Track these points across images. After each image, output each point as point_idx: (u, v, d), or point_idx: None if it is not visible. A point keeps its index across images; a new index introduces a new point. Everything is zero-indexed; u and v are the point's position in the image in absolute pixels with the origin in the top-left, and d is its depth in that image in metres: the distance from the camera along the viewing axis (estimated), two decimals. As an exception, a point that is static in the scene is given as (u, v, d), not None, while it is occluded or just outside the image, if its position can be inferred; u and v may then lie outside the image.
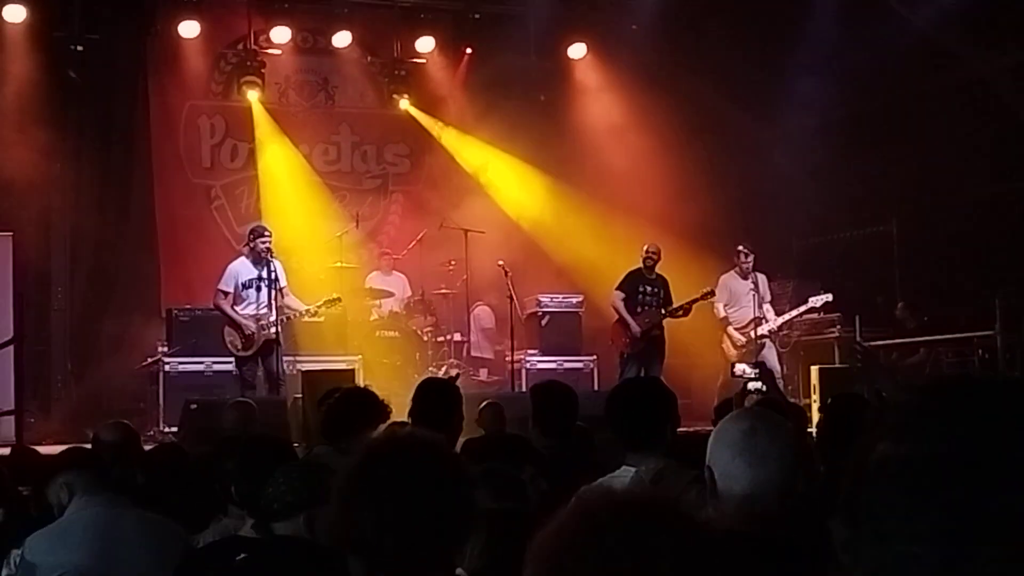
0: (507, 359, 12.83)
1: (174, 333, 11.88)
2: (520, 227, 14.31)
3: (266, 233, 10.64)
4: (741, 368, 10.36)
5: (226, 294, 10.58)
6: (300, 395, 9.57)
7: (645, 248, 11.76)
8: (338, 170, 14.93)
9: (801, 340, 12.61)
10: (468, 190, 14.47)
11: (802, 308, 12.01)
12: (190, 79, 14.07)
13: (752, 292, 11.80)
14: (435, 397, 5.31)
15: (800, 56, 12.93)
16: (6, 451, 7.65)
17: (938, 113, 12.94)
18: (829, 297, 11.89)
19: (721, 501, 2.53)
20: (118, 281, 13.27)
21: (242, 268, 10.68)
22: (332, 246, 13.25)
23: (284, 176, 14.32)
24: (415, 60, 14.51)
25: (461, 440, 5.14)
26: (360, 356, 12.10)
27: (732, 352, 11.78)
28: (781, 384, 11.35)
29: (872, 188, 13.95)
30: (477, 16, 14.44)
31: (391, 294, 13.27)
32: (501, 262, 12.54)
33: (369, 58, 14.73)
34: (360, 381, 10.92)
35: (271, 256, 10.57)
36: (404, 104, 14.47)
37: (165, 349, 11.82)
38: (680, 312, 11.64)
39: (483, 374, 13.52)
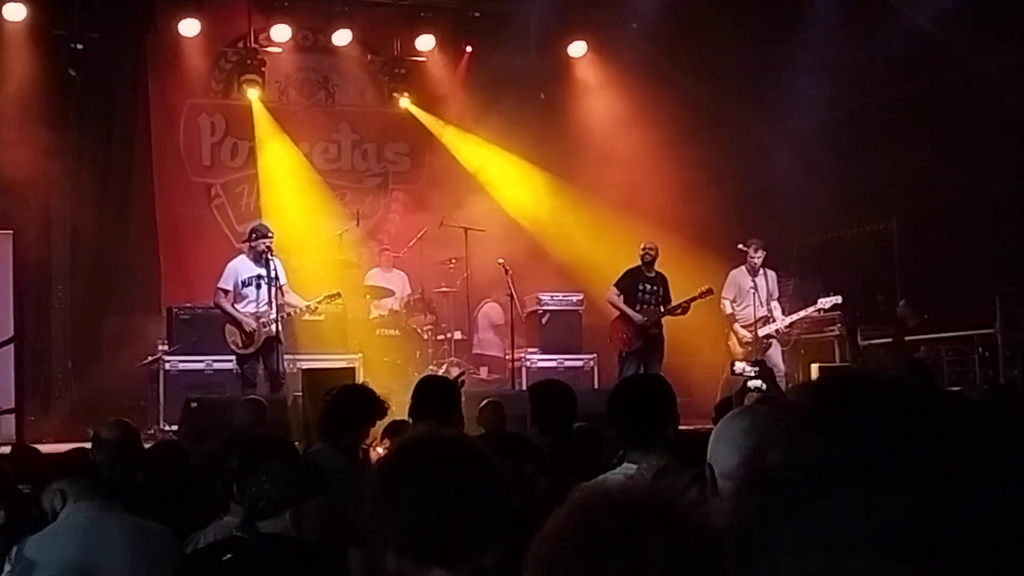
0: (507, 357, 12.83)
1: (174, 331, 11.89)
2: (520, 225, 14.31)
3: (268, 233, 10.64)
4: (741, 366, 10.35)
5: (226, 292, 10.58)
6: (300, 393, 9.58)
7: (642, 245, 11.76)
8: (338, 168, 14.93)
9: (802, 338, 12.61)
10: (468, 188, 14.48)
11: (810, 309, 11.99)
12: (190, 77, 14.08)
13: (751, 290, 11.78)
14: (435, 395, 5.31)
15: (801, 54, 12.92)
16: (6, 449, 7.66)
17: (939, 111, 12.93)
18: (838, 299, 11.87)
19: (722, 499, 2.53)
20: (118, 279, 13.27)
21: (242, 266, 10.67)
22: (332, 244, 13.26)
23: (284, 174, 14.32)
24: (415, 58, 14.52)
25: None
26: (360, 354, 12.11)
27: (738, 349, 11.77)
28: (783, 382, 11.34)
29: (872, 186, 13.95)
30: (477, 14, 14.44)
31: (391, 292, 13.27)
32: (501, 260, 12.54)
33: (369, 56, 14.74)
34: (360, 379, 10.93)
35: (271, 255, 10.57)
36: (404, 102, 14.47)
37: (165, 347, 11.82)
38: (679, 310, 11.64)
39: (483, 372, 13.52)
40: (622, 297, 11.69)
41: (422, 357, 12.79)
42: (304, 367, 10.99)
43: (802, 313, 12.01)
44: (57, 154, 12.64)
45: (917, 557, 0.72)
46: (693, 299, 11.58)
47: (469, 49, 14.70)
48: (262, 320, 10.48)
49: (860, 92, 13.58)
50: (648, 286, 11.69)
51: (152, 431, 10.84)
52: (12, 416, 10.19)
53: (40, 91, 12.64)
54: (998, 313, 11.46)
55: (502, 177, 14.67)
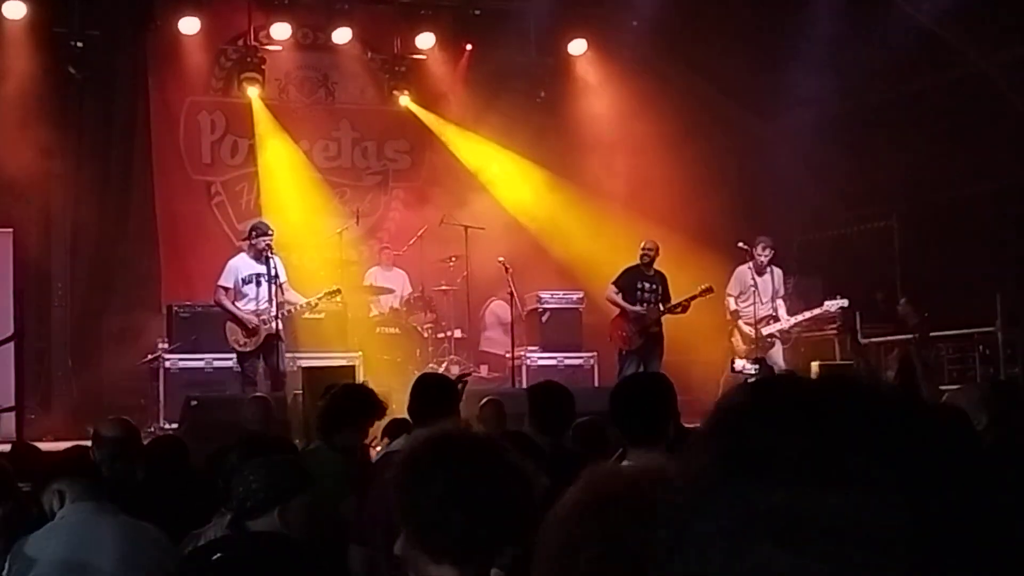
0: (507, 355, 12.82)
1: (174, 329, 11.89)
2: (521, 223, 14.30)
3: (269, 231, 10.64)
4: (741, 364, 10.37)
5: (227, 290, 10.58)
6: (300, 391, 9.58)
7: (642, 244, 11.75)
8: (338, 166, 14.92)
9: (802, 336, 12.60)
10: (469, 186, 14.47)
11: (817, 311, 11.96)
12: (190, 75, 14.07)
13: (758, 287, 11.76)
14: (435, 393, 5.30)
15: (800, 52, 12.92)
16: (6, 447, 7.66)
17: (939, 109, 12.93)
18: (845, 302, 11.85)
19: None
20: (118, 277, 13.27)
21: (242, 264, 10.68)
22: (332, 242, 13.26)
23: (284, 172, 14.32)
24: (415, 56, 14.51)
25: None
26: (360, 352, 12.11)
27: (740, 347, 11.76)
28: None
29: (873, 184, 13.95)
30: (477, 12, 14.43)
31: (391, 291, 13.27)
32: (501, 259, 12.54)
33: (369, 54, 14.73)
34: (360, 377, 10.94)
35: (271, 253, 10.57)
36: (404, 100, 14.47)
37: (165, 345, 11.82)
38: (678, 309, 11.62)
39: (484, 370, 13.52)
40: (621, 295, 11.68)
41: (422, 355, 12.79)
42: (304, 365, 11.01)
43: (807, 315, 11.97)
44: (57, 152, 12.64)
45: (813, 547, 0.74)
46: (693, 297, 11.56)
47: (469, 47, 14.69)
48: (263, 317, 10.48)
49: (861, 89, 13.58)
50: (647, 284, 11.67)
51: (152, 429, 10.81)
52: (12, 414, 10.19)
53: (40, 89, 12.63)
54: (998, 311, 11.46)
55: (502, 175, 14.67)
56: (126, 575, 3.81)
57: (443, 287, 13.43)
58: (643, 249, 11.68)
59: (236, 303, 10.58)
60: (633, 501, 1.51)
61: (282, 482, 3.08)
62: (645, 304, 11.61)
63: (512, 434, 4.90)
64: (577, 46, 14.72)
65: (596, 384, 12.33)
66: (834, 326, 12.63)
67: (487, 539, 2.13)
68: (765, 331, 11.78)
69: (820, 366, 11.47)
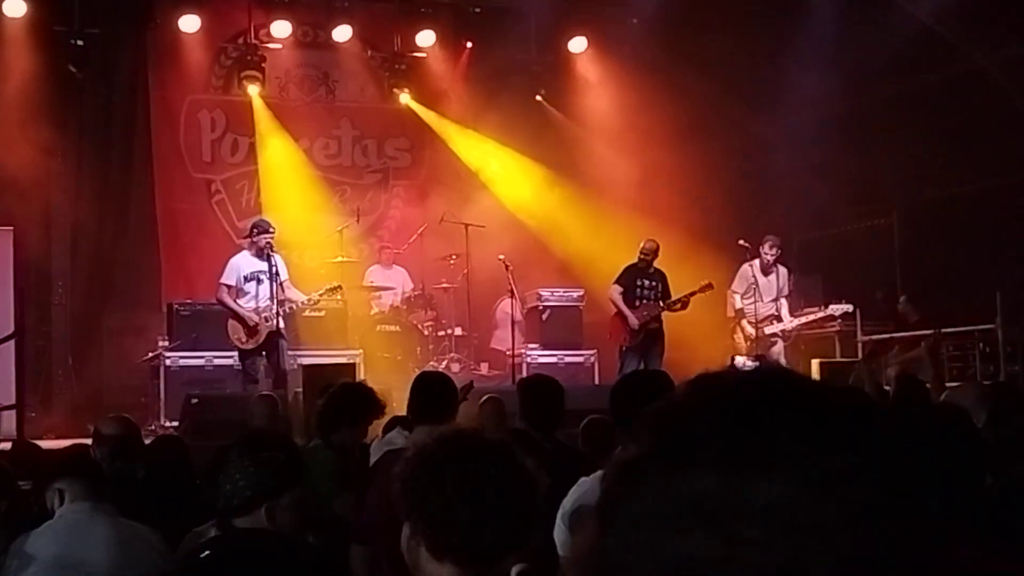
0: (508, 353, 12.82)
1: (175, 327, 11.89)
2: (521, 221, 14.30)
3: (270, 229, 10.64)
4: (741, 361, 10.36)
5: (229, 288, 10.58)
6: (300, 390, 9.58)
7: (642, 245, 11.71)
8: (339, 164, 14.92)
9: (802, 334, 12.60)
10: (469, 184, 14.47)
11: (821, 314, 11.97)
12: (190, 73, 14.07)
13: (758, 286, 11.76)
14: (435, 391, 5.31)
15: (801, 49, 12.92)
16: (7, 446, 7.67)
17: (939, 106, 12.93)
18: (849, 307, 11.86)
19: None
20: (119, 275, 13.27)
21: (243, 262, 10.68)
22: (333, 240, 13.26)
23: (285, 170, 14.32)
24: (415, 54, 14.50)
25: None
26: (360, 350, 12.12)
27: (742, 344, 11.76)
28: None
29: (873, 181, 13.95)
30: (477, 10, 14.42)
31: (391, 289, 13.27)
32: (502, 256, 12.54)
33: (369, 52, 14.72)
34: (361, 375, 10.95)
35: (272, 251, 10.58)
36: (404, 98, 14.46)
37: (166, 343, 11.83)
38: (678, 306, 11.60)
39: (484, 368, 13.52)
40: (624, 293, 11.67)
41: (422, 353, 12.80)
42: (304, 363, 11.02)
43: (811, 317, 11.98)
44: (57, 150, 12.65)
45: (723, 528, 0.77)
46: (693, 293, 11.54)
47: (469, 45, 14.69)
48: (264, 315, 10.48)
49: (861, 87, 13.57)
50: (647, 282, 11.66)
51: (152, 427, 10.83)
52: (13, 412, 10.17)
53: (40, 87, 12.63)
54: (999, 308, 11.46)
55: (503, 173, 14.67)
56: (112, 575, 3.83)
57: (443, 285, 13.43)
58: (642, 250, 11.66)
59: (238, 301, 10.58)
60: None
61: (269, 480, 3.07)
62: (644, 302, 11.60)
63: (514, 432, 4.91)
64: (577, 44, 14.72)
65: (596, 382, 12.34)
66: (835, 324, 12.63)
67: (491, 541, 2.13)
68: (767, 330, 11.78)
69: (820, 364, 11.47)
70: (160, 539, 4.02)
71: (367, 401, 5.32)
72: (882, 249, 14.21)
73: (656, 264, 11.74)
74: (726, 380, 0.88)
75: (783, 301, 11.96)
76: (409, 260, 13.78)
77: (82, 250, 13.26)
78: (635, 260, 11.70)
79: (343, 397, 5.35)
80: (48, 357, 12.86)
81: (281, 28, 13.95)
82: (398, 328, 12.83)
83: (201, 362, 11.66)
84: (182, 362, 11.61)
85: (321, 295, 11.17)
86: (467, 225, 13.13)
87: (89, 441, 5.47)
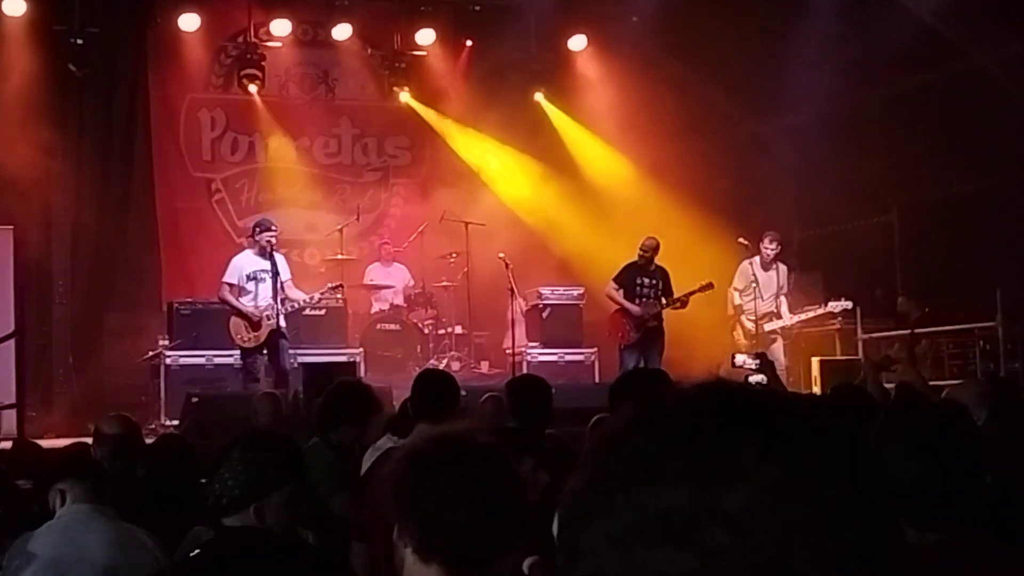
0: (508, 351, 12.83)
1: (175, 326, 11.90)
2: (521, 219, 14.31)
3: (272, 227, 10.65)
4: (742, 359, 10.34)
5: (231, 286, 10.59)
6: (300, 388, 9.58)
7: (641, 242, 11.69)
8: (339, 163, 14.93)
9: (802, 332, 12.60)
10: (469, 182, 14.47)
11: (820, 311, 11.96)
12: (190, 72, 14.07)
13: (759, 283, 11.76)
14: (437, 389, 5.31)
15: (801, 47, 12.90)
16: (7, 445, 7.68)
17: (939, 104, 12.92)
18: (849, 304, 11.86)
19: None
20: (119, 274, 13.27)
21: (246, 260, 10.69)
22: (333, 238, 13.27)
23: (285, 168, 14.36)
24: (415, 52, 14.49)
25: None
26: (361, 349, 12.13)
27: (742, 342, 11.76)
28: (783, 375, 11.32)
29: (873, 179, 13.94)
30: (477, 8, 14.41)
31: (391, 287, 13.28)
32: (502, 255, 12.54)
33: (369, 51, 14.72)
34: (361, 374, 10.96)
35: (274, 249, 10.59)
36: (404, 96, 14.46)
37: (166, 342, 11.83)
38: (677, 304, 11.57)
39: (484, 367, 13.53)
40: (621, 292, 11.65)
41: (423, 351, 12.81)
42: (304, 361, 11.02)
43: (811, 314, 11.98)
44: (57, 149, 12.65)
45: (695, 540, 0.77)
46: (692, 293, 11.51)
47: (469, 43, 14.69)
48: (266, 313, 10.49)
49: (860, 85, 13.56)
50: (646, 280, 11.62)
51: (153, 426, 10.84)
52: (13, 411, 10.18)
53: (40, 86, 12.63)
54: (999, 306, 11.45)
55: (502, 171, 14.67)
56: None
57: (444, 283, 13.44)
58: (641, 247, 11.64)
59: (240, 299, 10.60)
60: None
61: (258, 479, 3.07)
62: (644, 300, 11.58)
63: (512, 430, 4.91)
64: (577, 42, 14.71)
65: (597, 380, 12.34)
66: (835, 322, 12.63)
67: (480, 544, 2.12)
68: (767, 327, 11.78)
69: (820, 362, 11.47)
70: (158, 543, 4.02)
71: (365, 399, 5.32)
72: (882, 247, 14.20)
73: (657, 262, 11.70)
74: (676, 397, 0.87)
75: (782, 298, 11.96)
76: (409, 258, 13.79)
77: (82, 249, 13.27)
78: (635, 258, 11.69)
79: (341, 396, 5.35)
80: (48, 356, 12.87)
81: (281, 27, 13.95)
82: (398, 326, 12.84)
83: (201, 361, 11.66)
84: (182, 361, 11.62)
85: (323, 294, 11.18)
86: (467, 223, 13.13)
87: (90, 440, 5.47)
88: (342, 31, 14.17)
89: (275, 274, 10.49)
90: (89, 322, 13.07)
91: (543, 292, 13.30)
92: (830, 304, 11.88)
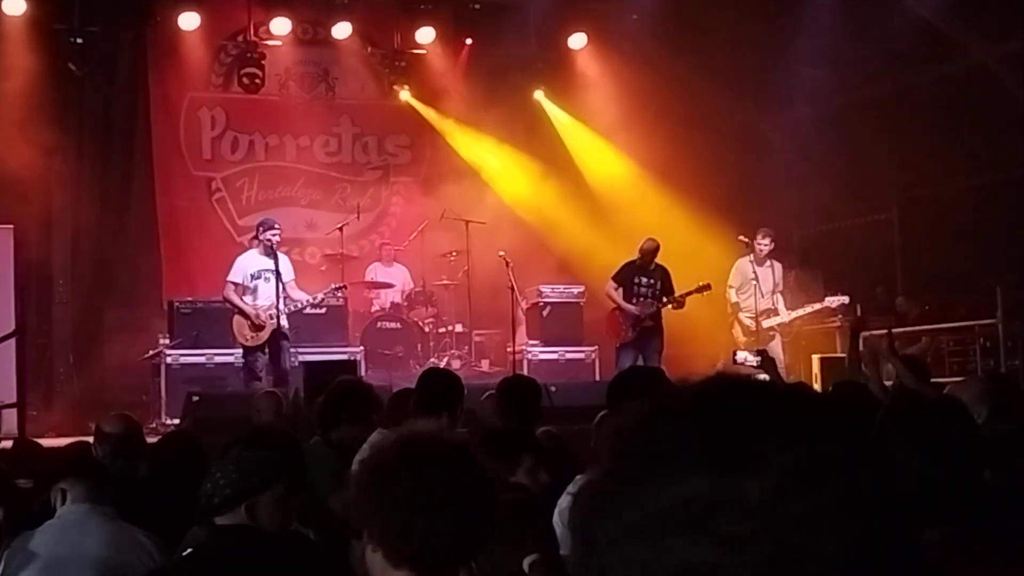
0: (508, 350, 12.83)
1: (176, 325, 11.90)
2: (521, 218, 14.29)
3: (276, 226, 10.68)
4: (743, 356, 10.31)
5: (236, 285, 10.63)
6: (301, 387, 9.58)
7: (640, 245, 11.66)
8: (339, 161, 14.93)
9: (803, 329, 12.60)
10: (469, 181, 14.46)
11: (817, 307, 11.96)
12: (190, 71, 14.06)
13: (759, 280, 11.75)
14: (440, 388, 5.32)
15: (801, 45, 12.91)
16: (8, 444, 7.68)
17: (939, 101, 12.93)
18: (845, 299, 11.85)
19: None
20: (119, 273, 13.27)
21: (250, 260, 10.73)
22: (333, 237, 13.27)
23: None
24: (415, 51, 14.49)
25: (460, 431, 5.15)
26: (361, 347, 12.14)
27: (741, 339, 11.76)
28: (784, 373, 11.31)
29: (873, 177, 13.95)
30: (477, 6, 14.40)
31: (392, 286, 13.28)
32: (502, 253, 12.53)
33: (369, 49, 14.71)
34: (362, 372, 10.96)
35: (277, 249, 10.62)
36: (405, 95, 14.46)
37: (167, 341, 11.84)
38: (674, 304, 11.54)
39: (485, 365, 13.52)
40: (620, 291, 11.64)
41: (423, 350, 12.81)
42: (305, 360, 11.03)
43: (808, 309, 11.98)
44: (57, 148, 12.64)
45: (713, 530, 0.77)
46: (689, 293, 11.47)
47: (469, 42, 14.68)
48: (269, 312, 10.51)
49: (860, 82, 13.57)
50: (645, 279, 11.60)
51: (154, 425, 10.85)
52: (14, 410, 10.17)
53: (40, 85, 12.61)
54: (999, 303, 11.46)
55: (503, 169, 14.66)
56: None
57: (444, 282, 13.44)
58: (640, 248, 11.61)
59: (243, 298, 10.63)
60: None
61: (250, 478, 3.07)
62: (642, 299, 11.56)
63: (512, 429, 4.91)
64: (577, 40, 14.70)
65: (597, 378, 12.33)
66: (836, 319, 12.63)
67: (449, 546, 2.11)
68: (765, 324, 11.77)
69: (821, 359, 11.48)
70: (156, 542, 4.03)
71: (365, 398, 5.33)
72: (882, 244, 14.21)
73: (659, 259, 11.67)
74: (692, 390, 0.88)
75: (779, 296, 11.95)
76: (409, 257, 13.79)
77: (82, 248, 13.26)
78: (634, 257, 11.67)
79: (342, 394, 5.36)
80: (49, 355, 12.86)
81: (281, 25, 13.93)
82: (399, 325, 12.84)
83: (202, 360, 11.68)
84: (183, 360, 11.63)
85: (326, 295, 11.21)
86: (467, 222, 13.13)
87: (91, 439, 5.47)
88: (342, 30, 14.17)
89: (278, 274, 10.51)
90: (90, 321, 13.07)
91: (543, 290, 13.30)
92: (827, 299, 11.88)
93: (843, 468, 0.80)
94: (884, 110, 13.51)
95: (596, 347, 12.97)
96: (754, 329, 11.75)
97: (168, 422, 10.85)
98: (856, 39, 12.74)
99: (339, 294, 11.58)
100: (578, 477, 4.01)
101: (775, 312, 11.87)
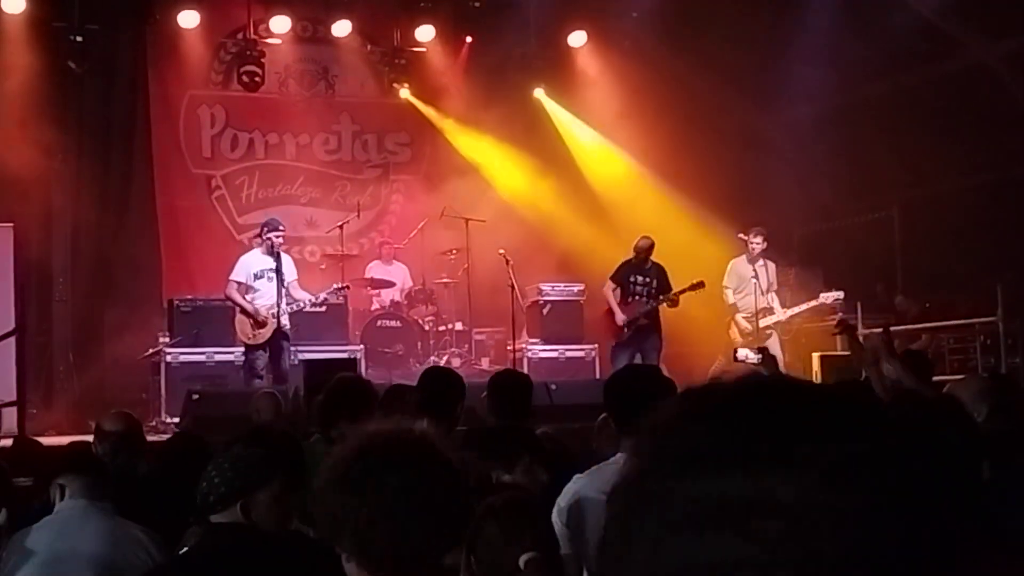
0: (509, 348, 12.83)
1: (175, 323, 11.90)
2: (521, 216, 14.28)
3: (280, 227, 10.71)
4: (744, 353, 10.30)
5: (239, 284, 10.65)
6: (301, 385, 9.58)
7: (635, 243, 11.65)
8: (339, 159, 14.93)
9: (803, 327, 12.60)
10: (469, 179, 14.45)
11: (812, 303, 11.96)
12: (190, 69, 14.07)
13: (753, 279, 11.75)
14: (441, 386, 5.32)
15: (801, 43, 12.91)
16: (8, 442, 7.68)
17: (939, 99, 12.92)
18: (840, 295, 11.85)
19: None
20: (119, 272, 13.27)
21: (254, 259, 10.77)
22: (333, 235, 13.27)
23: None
24: (415, 49, 14.49)
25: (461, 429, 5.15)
26: (361, 346, 12.15)
27: (739, 339, 11.74)
28: (784, 371, 11.30)
29: (873, 175, 13.95)
30: (477, 4, 14.39)
31: (392, 284, 13.28)
32: (502, 251, 12.53)
33: (369, 47, 14.72)
34: (362, 370, 10.97)
35: (281, 249, 10.64)
36: (404, 93, 14.47)
37: (167, 339, 11.84)
38: (667, 303, 11.52)
39: (485, 363, 13.53)
40: (618, 290, 11.64)
41: (423, 348, 12.81)
42: (305, 358, 11.03)
43: (803, 307, 11.98)
44: (57, 146, 12.64)
45: (748, 528, 0.78)
46: (683, 291, 11.44)
47: (469, 39, 14.68)
48: (272, 312, 10.53)
49: (861, 81, 13.57)
50: (640, 278, 11.57)
51: (154, 423, 10.87)
52: (14, 409, 10.18)
53: (40, 84, 12.62)
54: (999, 301, 11.46)
55: (503, 167, 14.66)
56: (99, 574, 3.86)
57: (444, 280, 13.44)
58: (635, 247, 11.60)
59: (246, 297, 10.64)
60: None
61: (245, 476, 3.07)
62: (637, 298, 11.54)
63: (510, 426, 4.91)
64: (577, 38, 14.70)
65: (597, 376, 12.33)
66: (835, 318, 12.62)
67: (424, 546, 2.07)
68: (761, 323, 11.77)
69: (821, 357, 11.47)
70: (155, 539, 4.03)
71: (365, 394, 5.32)
72: (883, 242, 14.21)
73: (656, 258, 11.67)
74: (724, 388, 0.88)
75: (773, 295, 11.94)
76: (409, 255, 13.79)
77: (82, 246, 13.27)
78: (630, 256, 11.66)
79: (340, 391, 5.35)
80: (49, 354, 12.87)
81: (280, 23, 13.94)
82: (399, 323, 12.84)
83: (202, 358, 11.68)
84: (183, 358, 11.63)
85: (329, 295, 11.23)
86: (467, 220, 13.12)
87: (90, 437, 5.47)
88: (342, 27, 14.17)
89: (280, 274, 10.53)
90: (89, 319, 13.08)
91: (543, 288, 13.30)
92: (822, 296, 11.88)
93: (873, 470, 0.80)
94: (884, 108, 13.50)
95: (596, 345, 12.97)
96: (751, 329, 11.76)
97: (168, 420, 10.85)
98: (856, 38, 12.74)
99: (341, 294, 11.59)
100: (576, 477, 4.01)
101: (771, 311, 11.87)
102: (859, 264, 13.82)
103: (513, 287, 12.47)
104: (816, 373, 11.25)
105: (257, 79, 13.58)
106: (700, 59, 13.70)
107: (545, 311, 13.21)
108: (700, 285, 11.42)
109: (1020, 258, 12.11)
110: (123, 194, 13.65)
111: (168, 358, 11.57)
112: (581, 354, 13.02)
